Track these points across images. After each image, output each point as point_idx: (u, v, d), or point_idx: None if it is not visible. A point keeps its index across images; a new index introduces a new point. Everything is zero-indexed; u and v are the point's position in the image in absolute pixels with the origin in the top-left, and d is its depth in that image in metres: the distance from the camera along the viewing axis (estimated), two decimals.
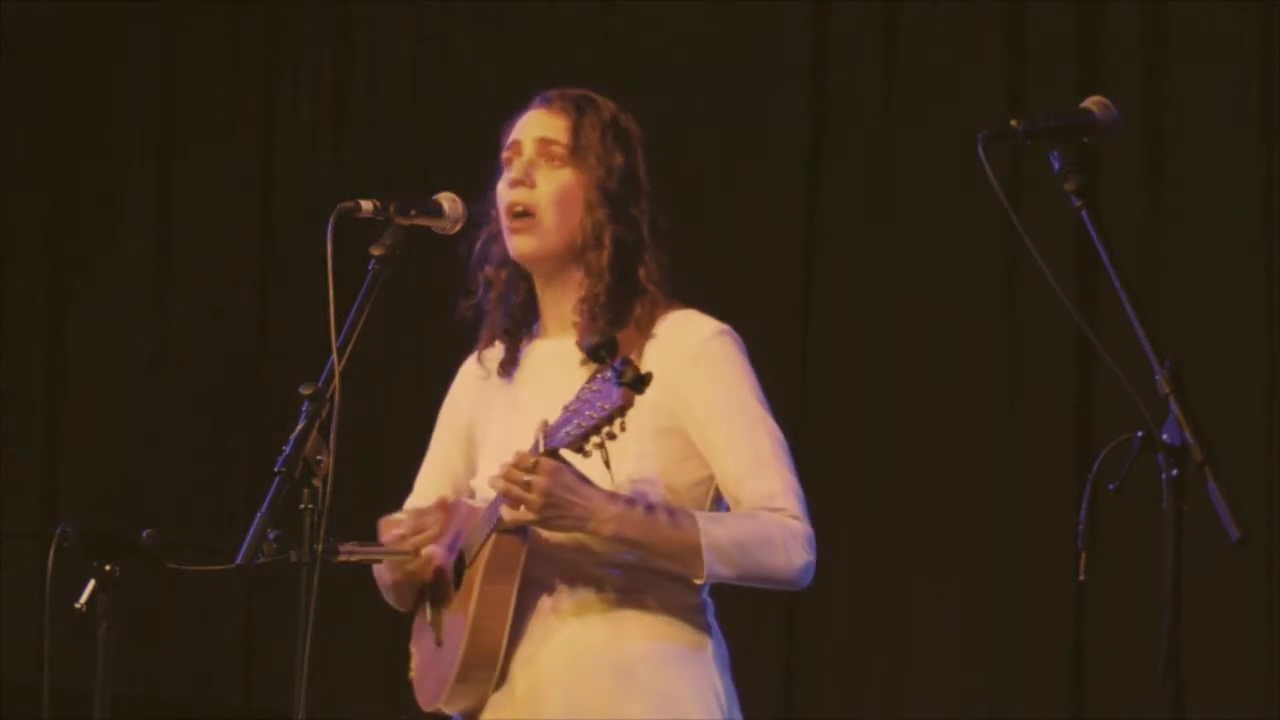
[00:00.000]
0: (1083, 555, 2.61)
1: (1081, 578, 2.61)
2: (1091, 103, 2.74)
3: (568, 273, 3.18)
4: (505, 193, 3.20)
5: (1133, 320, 2.56)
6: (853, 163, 5.90)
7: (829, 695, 5.75)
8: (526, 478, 2.89)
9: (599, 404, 2.81)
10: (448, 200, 3.16)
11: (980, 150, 2.69)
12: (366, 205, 3.06)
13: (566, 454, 2.90)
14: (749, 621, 5.50)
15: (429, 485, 3.36)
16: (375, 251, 3.04)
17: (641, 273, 3.17)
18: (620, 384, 2.77)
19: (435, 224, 3.15)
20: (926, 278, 5.76)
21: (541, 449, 2.89)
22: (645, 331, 3.13)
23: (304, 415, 2.89)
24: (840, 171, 5.93)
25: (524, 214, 3.16)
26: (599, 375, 2.82)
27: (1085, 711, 5.41)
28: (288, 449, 2.85)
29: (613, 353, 2.79)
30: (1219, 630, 5.17)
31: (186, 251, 6.92)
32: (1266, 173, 5.34)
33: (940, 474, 5.68)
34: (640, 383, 2.76)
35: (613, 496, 2.97)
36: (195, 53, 6.99)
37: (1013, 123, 2.70)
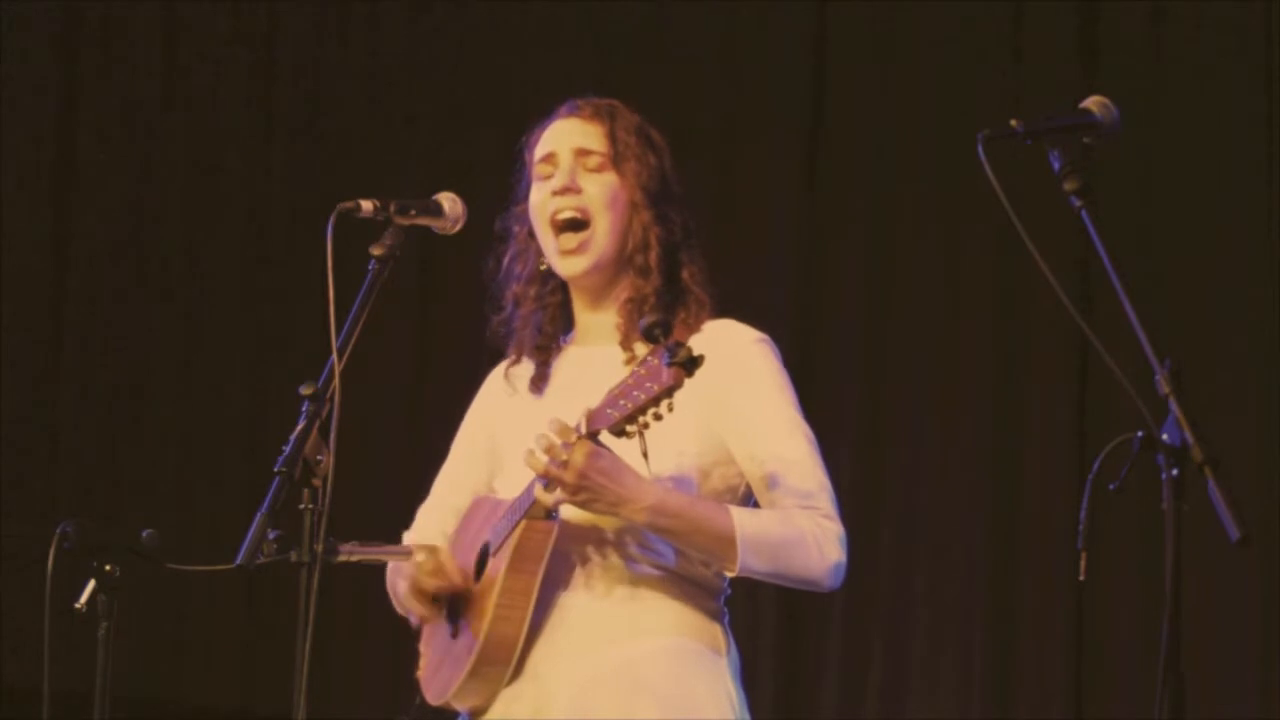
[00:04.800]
0: (1083, 555, 2.61)
1: (1081, 578, 2.61)
2: (1091, 103, 2.74)
3: (614, 281, 3.19)
4: (549, 202, 3.19)
5: (1132, 320, 2.56)
6: (853, 162, 5.90)
7: (829, 695, 5.74)
8: (564, 456, 2.87)
9: (648, 384, 2.78)
10: (448, 200, 3.15)
11: (980, 150, 2.69)
12: (366, 205, 3.05)
13: (607, 439, 2.88)
14: (749, 622, 5.51)
15: (445, 494, 3.36)
16: (375, 251, 3.03)
17: (685, 274, 3.19)
18: (672, 363, 2.74)
19: (435, 224, 3.14)
20: (926, 277, 5.77)
21: (584, 430, 2.87)
22: (691, 331, 3.14)
23: (304, 415, 2.88)
24: (840, 171, 5.93)
25: (574, 222, 3.16)
26: (648, 358, 2.80)
27: (1085, 711, 5.41)
28: (288, 449, 2.84)
29: (667, 332, 2.78)
30: (1219, 630, 5.17)
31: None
32: (1267, 172, 5.34)
33: (940, 474, 5.68)
34: (693, 364, 2.75)
35: (650, 484, 2.95)
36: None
37: (1013, 123, 2.70)
